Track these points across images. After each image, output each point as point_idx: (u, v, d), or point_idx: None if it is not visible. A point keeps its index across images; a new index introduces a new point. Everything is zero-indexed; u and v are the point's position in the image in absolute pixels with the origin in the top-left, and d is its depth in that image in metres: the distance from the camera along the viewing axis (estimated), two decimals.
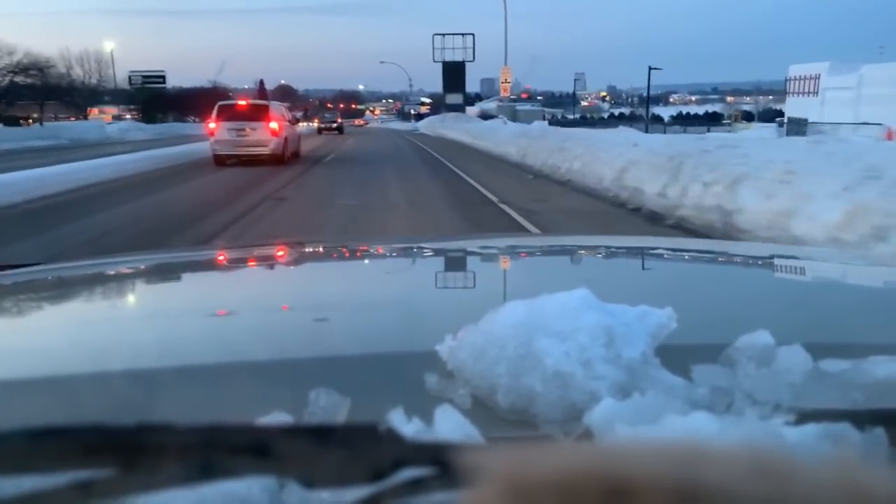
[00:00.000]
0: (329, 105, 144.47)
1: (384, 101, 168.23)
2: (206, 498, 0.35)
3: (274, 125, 16.30)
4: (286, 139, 16.77)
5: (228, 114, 16.51)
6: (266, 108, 17.17)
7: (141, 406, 0.60)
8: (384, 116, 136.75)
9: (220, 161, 15.94)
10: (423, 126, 50.48)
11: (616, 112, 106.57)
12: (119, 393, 0.63)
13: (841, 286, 1.12)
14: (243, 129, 15.98)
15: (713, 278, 1.20)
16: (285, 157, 16.51)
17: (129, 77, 65.32)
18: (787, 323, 0.78)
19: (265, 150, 15.93)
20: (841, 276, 1.17)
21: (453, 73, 57.17)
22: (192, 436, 0.32)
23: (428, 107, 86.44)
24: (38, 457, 0.31)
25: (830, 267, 1.22)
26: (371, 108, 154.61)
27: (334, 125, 49.71)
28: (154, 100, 64.48)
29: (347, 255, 1.45)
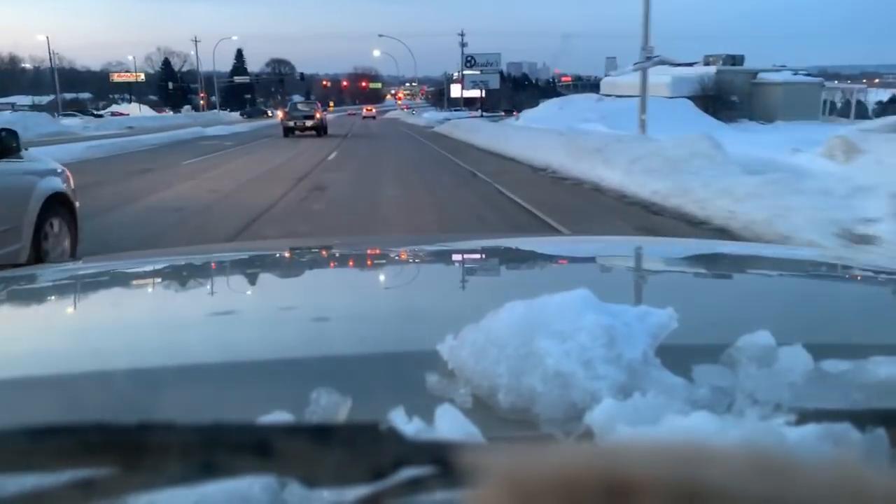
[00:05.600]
0: (325, 84, 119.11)
1: (407, 84, 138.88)
2: (207, 497, 0.35)
3: None
4: None
5: None
6: None
7: (142, 405, 0.60)
8: (409, 101, 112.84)
9: None
10: None
11: None
12: (120, 391, 0.63)
13: (842, 286, 1.12)
14: None
15: (714, 278, 1.20)
16: None
17: None
18: (788, 323, 0.78)
19: None
20: (842, 276, 1.17)
21: None
22: (193, 435, 0.32)
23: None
24: (39, 455, 0.31)
25: (831, 267, 1.22)
26: (393, 92, 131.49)
27: (309, 123, 28.47)
28: None
29: (349, 254, 1.45)
